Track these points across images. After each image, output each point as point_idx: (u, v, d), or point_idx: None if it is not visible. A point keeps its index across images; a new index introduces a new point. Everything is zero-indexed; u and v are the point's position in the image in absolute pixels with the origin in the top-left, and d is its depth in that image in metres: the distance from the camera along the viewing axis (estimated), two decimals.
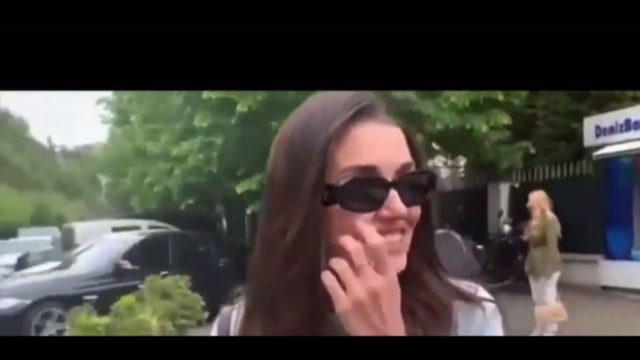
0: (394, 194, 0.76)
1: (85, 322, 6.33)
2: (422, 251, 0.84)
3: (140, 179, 20.83)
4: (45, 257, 14.72)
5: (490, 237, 11.99)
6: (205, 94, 10.80)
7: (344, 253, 0.74)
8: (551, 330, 7.17)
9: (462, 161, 16.71)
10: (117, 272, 9.89)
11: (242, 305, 0.90)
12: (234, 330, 0.91)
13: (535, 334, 7.13)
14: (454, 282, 0.87)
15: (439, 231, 5.53)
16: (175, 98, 13.38)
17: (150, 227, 14.86)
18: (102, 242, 11.43)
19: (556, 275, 7.16)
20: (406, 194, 0.77)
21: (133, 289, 7.51)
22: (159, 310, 7.04)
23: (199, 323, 7.53)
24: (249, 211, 13.06)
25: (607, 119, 11.37)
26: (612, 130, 11.21)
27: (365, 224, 0.75)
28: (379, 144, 0.77)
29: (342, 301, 0.72)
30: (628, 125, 10.89)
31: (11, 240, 23.03)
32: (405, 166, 0.79)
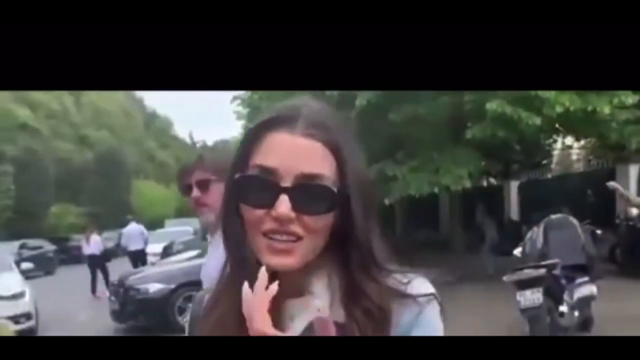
0: (283, 197, 0.81)
1: None
2: (355, 261, 0.87)
3: None
4: (187, 246, 15.63)
5: (617, 221, 11.33)
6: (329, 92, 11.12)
7: (250, 242, 0.86)
8: None
9: (586, 143, 15.84)
10: None
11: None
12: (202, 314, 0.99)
13: None
14: (391, 278, 0.90)
15: (555, 216, 5.38)
16: (304, 94, 13.83)
17: None
18: None
19: None
20: (299, 201, 0.81)
21: None
22: None
23: None
24: None
25: None
26: None
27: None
28: (284, 150, 0.83)
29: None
30: None
31: (158, 231, 24.31)
32: (306, 176, 0.82)
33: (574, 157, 21.74)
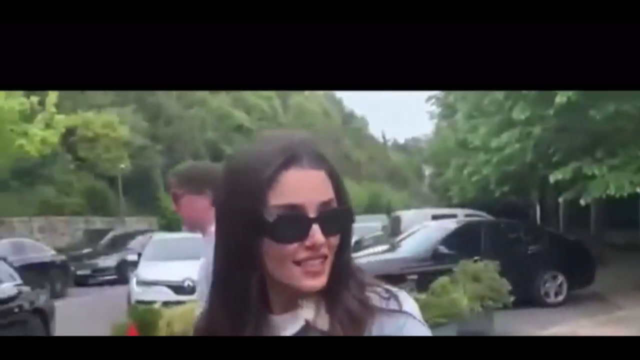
0: (315, 227, 0.89)
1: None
2: (340, 273, 0.94)
3: (461, 170, 21.41)
4: (376, 241, 15.99)
5: None
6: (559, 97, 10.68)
7: (276, 271, 0.90)
8: None
9: None
10: (435, 256, 10.46)
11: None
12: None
13: None
14: (373, 291, 0.95)
15: None
16: (497, 94, 13.56)
17: (467, 216, 15.26)
18: (423, 229, 12.22)
19: None
20: (326, 226, 0.89)
21: (448, 271, 7.97)
22: (469, 291, 7.37)
23: (505, 306, 7.62)
24: (561, 199, 12.53)
25: None
26: None
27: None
28: (303, 186, 0.89)
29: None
30: None
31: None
32: (325, 203, 0.91)
33: None
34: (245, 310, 0.91)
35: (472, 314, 7.23)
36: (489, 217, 14.99)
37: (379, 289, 0.95)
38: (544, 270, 10.78)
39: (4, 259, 9.10)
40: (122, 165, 28.84)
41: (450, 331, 6.68)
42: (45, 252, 16.13)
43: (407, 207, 37.02)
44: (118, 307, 10.21)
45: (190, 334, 1.04)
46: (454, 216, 15.04)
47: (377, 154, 76.83)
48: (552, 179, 11.50)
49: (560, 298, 10.84)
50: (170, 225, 27.64)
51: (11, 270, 8.64)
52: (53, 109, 16.20)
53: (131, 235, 21.53)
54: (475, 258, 8.28)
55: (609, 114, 10.51)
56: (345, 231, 0.94)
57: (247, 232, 0.89)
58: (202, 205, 2.28)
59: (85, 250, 19.93)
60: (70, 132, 16.26)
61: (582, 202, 11.63)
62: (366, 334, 0.91)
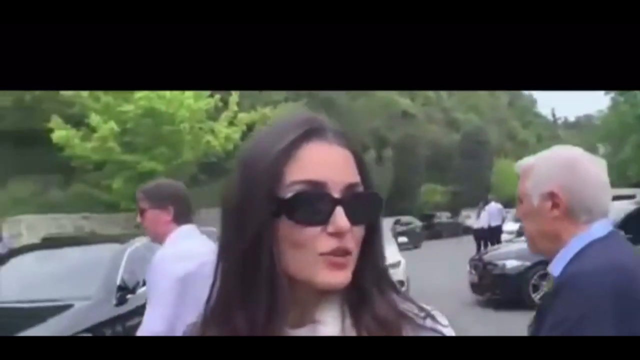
0: (339, 210, 0.74)
1: None
2: (368, 273, 0.80)
3: None
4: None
5: None
6: None
7: (293, 262, 0.75)
8: None
9: None
10: None
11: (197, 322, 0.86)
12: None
13: None
14: (404, 304, 0.82)
15: None
16: None
17: None
18: None
19: None
20: (351, 212, 0.74)
21: None
22: None
23: None
24: None
25: None
26: None
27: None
28: (327, 161, 0.75)
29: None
30: None
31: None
32: (351, 185, 0.76)
33: None
34: (254, 326, 0.75)
35: None
36: None
37: (412, 305, 0.82)
38: None
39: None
40: None
41: None
42: None
43: None
44: None
45: None
46: (632, 197, 13.90)
47: (545, 133, 72.45)
48: None
49: None
50: None
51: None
52: (235, 108, 17.65)
53: None
54: None
55: None
56: (373, 222, 0.80)
57: (261, 218, 0.74)
58: (164, 220, 2.53)
59: None
60: (250, 128, 17.47)
61: None
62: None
